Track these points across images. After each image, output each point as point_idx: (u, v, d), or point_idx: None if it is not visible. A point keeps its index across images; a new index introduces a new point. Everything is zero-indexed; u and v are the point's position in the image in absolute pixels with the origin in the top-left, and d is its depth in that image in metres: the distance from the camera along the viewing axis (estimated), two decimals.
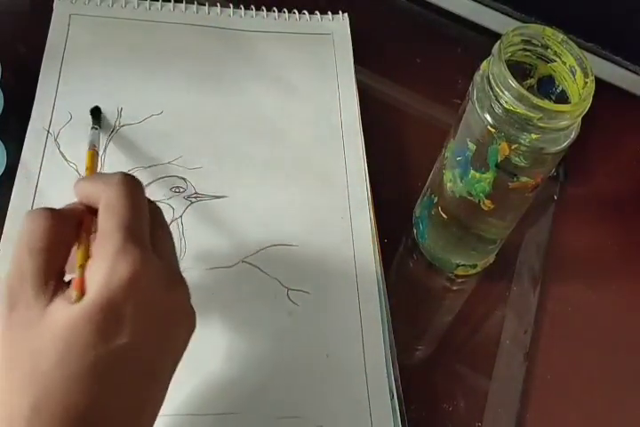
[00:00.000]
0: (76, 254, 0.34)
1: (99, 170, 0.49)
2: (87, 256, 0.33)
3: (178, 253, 0.47)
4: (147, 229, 0.34)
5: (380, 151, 0.54)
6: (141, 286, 0.31)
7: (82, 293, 0.31)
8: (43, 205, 0.46)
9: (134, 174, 0.49)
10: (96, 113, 0.51)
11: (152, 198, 0.48)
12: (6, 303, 0.31)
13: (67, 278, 0.33)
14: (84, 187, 0.36)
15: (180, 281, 0.34)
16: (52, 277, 0.32)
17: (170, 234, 0.37)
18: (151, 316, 0.32)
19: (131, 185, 0.34)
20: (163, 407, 0.42)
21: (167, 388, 0.34)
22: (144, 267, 0.32)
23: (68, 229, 0.34)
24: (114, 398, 0.31)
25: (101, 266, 0.31)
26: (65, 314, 0.30)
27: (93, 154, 0.45)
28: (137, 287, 0.31)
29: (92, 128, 0.50)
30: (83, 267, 0.32)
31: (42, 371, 0.30)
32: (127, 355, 0.31)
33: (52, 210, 0.34)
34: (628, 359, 0.50)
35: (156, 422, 0.42)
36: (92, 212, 0.35)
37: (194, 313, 0.35)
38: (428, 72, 0.60)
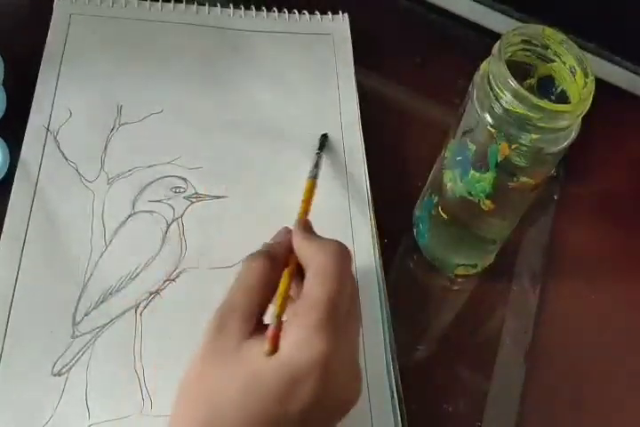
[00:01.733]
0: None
1: (99, 170, 0.50)
2: (285, 305, 0.35)
3: (178, 254, 0.47)
4: (347, 306, 0.35)
5: (380, 151, 0.54)
6: (329, 367, 0.33)
7: (274, 348, 0.33)
8: (42, 205, 0.47)
9: (134, 175, 0.50)
10: (323, 139, 0.52)
11: (152, 199, 0.49)
12: (214, 325, 0.34)
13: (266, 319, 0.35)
14: (301, 246, 0.37)
15: (359, 374, 0.36)
16: (257, 313, 0.35)
17: (360, 312, 0.38)
18: (329, 398, 0.33)
19: (344, 257, 0.36)
20: (163, 407, 0.42)
21: None
22: (337, 349, 0.33)
23: (278, 274, 0.37)
24: None
25: (296, 334, 0.33)
26: (255, 361, 0.33)
27: (313, 185, 0.45)
28: (324, 368, 0.32)
29: (317, 153, 0.50)
30: (279, 317, 0.34)
31: (219, 399, 0.32)
32: (296, 421, 0.33)
33: (267, 253, 0.37)
34: (628, 359, 0.50)
35: (156, 423, 0.42)
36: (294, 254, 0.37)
37: (358, 399, 0.36)
38: (428, 72, 0.60)
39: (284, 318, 0.35)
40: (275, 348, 0.33)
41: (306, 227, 0.39)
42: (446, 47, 0.62)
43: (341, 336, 0.34)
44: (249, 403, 0.32)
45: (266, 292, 0.36)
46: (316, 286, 0.34)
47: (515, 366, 0.48)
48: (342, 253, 0.36)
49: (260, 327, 0.34)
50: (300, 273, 0.37)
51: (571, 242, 0.54)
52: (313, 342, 0.32)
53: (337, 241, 0.37)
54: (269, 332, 0.33)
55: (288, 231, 0.39)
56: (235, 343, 0.33)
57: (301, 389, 0.32)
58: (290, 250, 0.38)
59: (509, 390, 0.47)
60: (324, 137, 0.53)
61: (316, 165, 0.48)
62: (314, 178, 0.46)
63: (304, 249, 0.37)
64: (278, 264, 0.37)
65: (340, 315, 0.34)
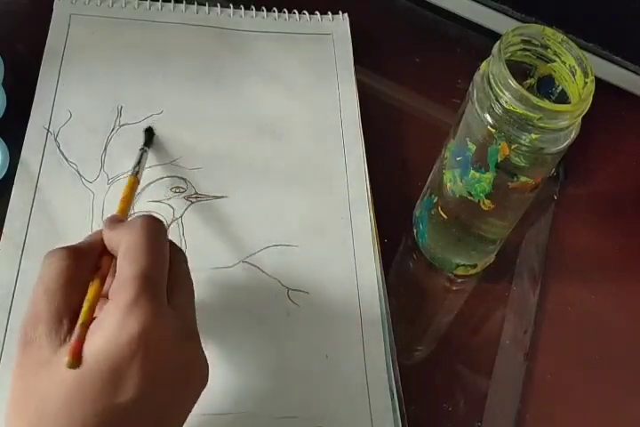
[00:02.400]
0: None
1: (99, 170, 0.50)
2: (94, 306, 0.33)
3: None
4: (165, 278, 0.34)
5: (380, 151, 0.54)
6: (150, 341, 0.31)
7: (77, 361, 0.31)
8: (42, 206, 0.47)
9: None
10: (149, 134, 0.51)
11: (152, 199, 0.49)
12: (21, 342, 0.32)
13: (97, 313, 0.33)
14: (109, 235, 0.35)
15: (193, 335, 0.34)
16: (66, 316, 0.32)
17: (190, 282, 0.36)
18: (159, 371, 0.32)
19: (153, 229, 0.34)
20: None
21: None
22: (155, 322, 0.31)
23: (84, 269, 0.34)
24: None
25: (111, 319, 0.31)
26: (73, 371, 0.30)
27: (134, 182, 0.44)
28: (146, 343, 0.31)
29: (141, 149, 0.49)
30: (84, 325, 0.32)
31: (48, 413, 0.30)
32: (132, 409, 0.31)
33: (68, 250, 0.34)
34: (628, 359, 0.50)
35: None
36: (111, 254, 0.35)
37: (206, 366, 0.35)
38: (428, 72, 0.60)
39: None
40: (77, 361, 0.31)
41: (114, 219, 0.37)
42: (446, 47, 0.62)
43: (164, 309, 0.32)
44: (75, 407, 0.30)
45: (72, 293, 0.33)
46: (125, 267, 0.32)
47: (515, 366, 0.48)
48: (149, 226, 0.34)
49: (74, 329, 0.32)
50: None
51: (571, 242, 0.54)
52: (127, 322, 0.31)
53: (144, 215, 0.35)
54: (71, 343, 0.31)
55: (97, 232, 0.37)
56: (47, 353, 0.31)
57: (125, 375, 0.30)
58: (102, 250, 0.35)
59: (509, 390, 0.47)
60: (150, 132, 0.51)
61: (139, 162, 0.47)
62: (135, 175, 0.45)
63: (112, 236, 0.35)
64: (85, 262, 0.34)
65: (158, 288, 0.32)
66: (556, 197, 0.56)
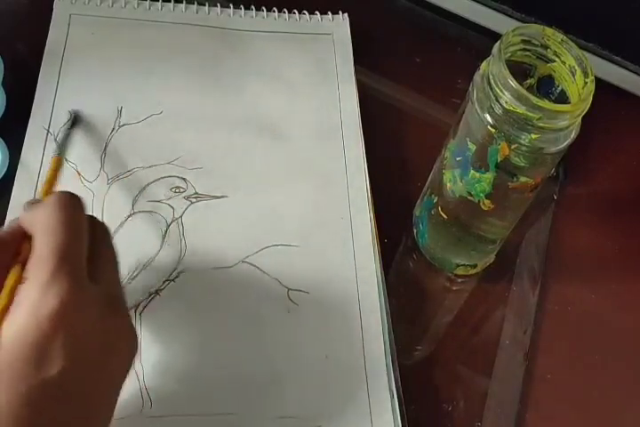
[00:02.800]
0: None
1: (99, 170, 0.50)
2: (14, 290, 0.32)
3: (178, 254, 0.47)
4: (83, 252, 0.33)
5: (380, 151, 0.54)
6: (71, 316, 0.31)
7: None
8: None
9: (134, 175, 0.50)
10: (75, 116, 0.50)
11: (152, 199, 0.49)
12: None
13: None
14: (25, 217, 0.34)
15: (117, 307, 0.34)
16: None
17: (114, 254, 0.36)
18: (83, 345, 0.31)
19: (66, 204, 0.33)
20: (163, 407, 0.42)
21: (111, 412, 0.33)
22: (75, 296, 0.31)
23: (5, 255, 0.33)
24: (58, 423, 0.31)
25: (31, 295, 0.30)
26: None
27: (58, 162, 0.42)
28: (66, 318, 0.30)
29: (67, 129, 0.48)
30: (4, 310, 0.31)
31: None
32: (59, 385, 0.30)
33: None
34: (628, 359, 0.50)
35: (157, 423, 0.42)
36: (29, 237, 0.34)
37: (135, 337, 0.34)
38: (428, 72, 0.60)
39: None
40: None
41: (31, 202, 0.36)
42: (446, 47, 0.62)
43: (84, 282, 0.32)
44: (5, 384, 0.29)
45: None
46: (41, 244, 0.32)
47: (514, 366, 0.48)
48: (62, 201, 0.33)
49: None
50: None
51: (570, 242, 0.54)
52: (46, 298, 0.30)
53: (58, 191, 0.34)
54: None
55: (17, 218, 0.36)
56: None
57: (48, 351, 0.30)
58: (22, 236, 0.34)
59: (509, 390, 0.47)
60: (76, 114, 0.51)
61: (63, 142, 0.46)
62: (59, 155, 0.44)
63: (27, 218, 0.34)
64: (5, 249, 0.33)
65: (76, 262, 0.32)
66: (555, 197, 0.56)
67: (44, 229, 0.32)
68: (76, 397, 0.31)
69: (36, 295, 0.30)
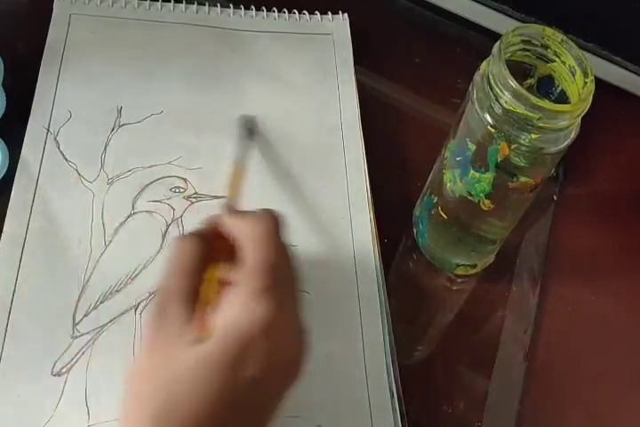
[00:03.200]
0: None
1: (99, 170, 0.50)
2: (214, 291, 0.35)
3: None
4: (288, 272, 0.36)
5: (380, 151, 0.54)
6: (274, 328, 0.33)
7: (205, 334, 0.33)
8: (42, 206, 0.47)
9: (134, 175, 0.50)
10: (250, 123, 0.51)
11: (152, 199, 0.49)
12: (156, 312, 0.34)
13: None
14: (230, 220, 0.37)
15: (304, 333, 0.36)
16: (194, 295, 0.35)
17: (297, 273, 0.38)
18: (275, 358, 0.34)
19: (274, 224, 0.37)
20: None
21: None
22: (280, 312, 0.34)
23: (207, 253, 0.36)
24: (234, 422, 0.33)
25: (240, 302, 0.33)
26: (203, 344, 0.33)
27: (241, 169, 0.45)
28: (270, 329, 0.33)
29: (244, 139, 0.49)
30: (209, 305, 0.34)
31: (172, 382, 0.32)
32: (251, 388, 0.33)
33: (199, 236, 0.37)
34: (628, 359, 0.50)
35: None
36: (223, 240, 0.37)
37: (304, 363, 0.36)
38: (428, 72, 0.60)
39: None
40: (205, 336, 0.33)
41: (232, 208, 0.40)
42: (446, 47, 0.62)
43: (284, 299, 0.34)
44: (201, 382, 0.32)
45: (200, 275, 0.36)
46: (251, 254, 0.35)
47: (515, 366, 0.48)
48: (271, 221, 0.36)
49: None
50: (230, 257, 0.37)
51: (570, 242, 0.54)
52: (257, 306, 0.33)
53: (266, 209, 0.37)
54: (198, 320, 0.34)
55: (215, 218, 0.39)
56: (177, 329, 0.33)
57: (249, 355, 0.32)
58: (217, 234, 0.38)
59: (509, 390, 0.47)
60: (250, 122, 0.51)
61: (243, 151, 0.48)
62: (241, 162, 0.46)
63: (235, 225, 0.37)
64: (208, 247, 0.37)
65: (279, 278, 0.35)
66: (555, 198, 0.56)
67: (257, 243, 0.35)
68: (260, 402, 0.34)
69: (247, 302, 0.33)
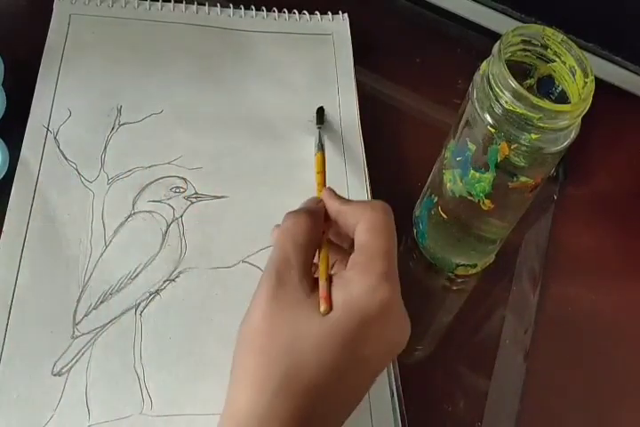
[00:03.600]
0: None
1: (99, 170, 0.50)
2: (328, 267, 0.38)
3: (178, 254, 0.47)
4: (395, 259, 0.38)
5: (380, 151, 0.54)
6: (392, 313, 0.36)
7: (330, 306, 0.35)
8: (42, 205, 0.47)
9: (134, 175, 0.50)
10: (320, 112, 0.54)
11: (152, 199, 0.49)
12: (274, 279, 0.36)
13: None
14: (341, 205, 0.40)
15: (408, 318, 0.38)
16: (309, 271, 0.37)
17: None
18: (385, 341, 0.36)
19: (391, 213, 0.39)
20: (163, 407, 0.42)
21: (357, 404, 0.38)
22: (396, 298, 0.36)
23: (319, 230, 0.39)
24: (348, 392, 0.36)
25: (365, 282, 0.35)
26: (327, 316, 0.35)
27: (322, 157, 0.47)
28: (389, 313, 0.36)
29: (318, 127, 0.52)
30: (327, 281, 0.36)
31: (299, 348, 0.34)
32: (361, 365, 0.35)
33: (310, 213, 0.39)
34: (628, 359, 0.50)
35: (157, 423, 0.42)
36: (328, 222, 0.40)
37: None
38: (428, 72, 0.60)
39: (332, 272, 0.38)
40: (330, 308, 0.35)
41: (334, 194, 0.41)
42: (446, 47, 0.62)
43: (397, 286, 0.37)
44: (325, 350, 0.34)
45: (312, 250, 0.38)
46: (373, 240, 0.37)
47: (515, 366, 0.48)
48: (389, 211, 0.39)
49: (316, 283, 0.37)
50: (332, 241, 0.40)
51: (570, 242, 0.54)
52: (380, 288, 0.35)
53: (381, 201, 0.39)
54: (322, 292, 0.36)
55: (318, 201, 0.42)
56: (302, 296, 0.36)
57: (370, 331, 0.35)
58: (324, 217, 0.40)
59: (509, 390, 0.47)
60: (321, 110, 0.54)
61: (320, 139, 0.50)
62: (321, 151, 0.48)
63: (349, 210, 0.39)
64: (318, 224, 0.39)
65: (395, 267, 0.37)
66: (555, 197, 0.56)
67: (377, 230, 0.37)
68: (368, 374, 0.37)
69: (371, 283, 0.35)
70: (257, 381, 0.34)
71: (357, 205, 0.39)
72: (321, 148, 0.49)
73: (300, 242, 0.37)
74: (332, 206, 0.40)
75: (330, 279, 0.37)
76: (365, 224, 0.38)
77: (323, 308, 0.35)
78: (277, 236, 0.38)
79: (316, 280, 0.37)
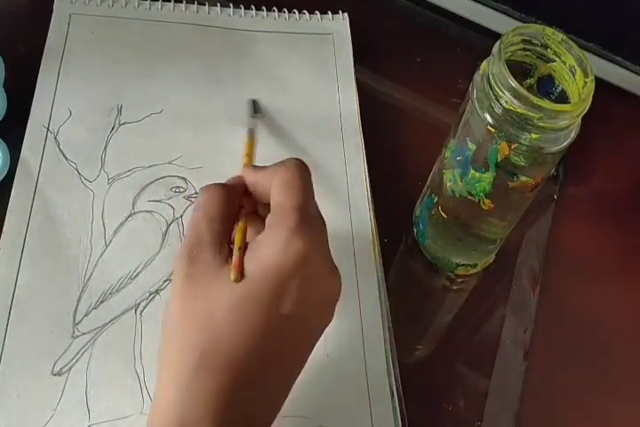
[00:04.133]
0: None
1: (99, 169, 0.50)
2: (244, 238, 0.36)
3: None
4: (317, 213, 0.37)
5: (380, 151, 0.54)
6: (309, 264, 0.34)
7: (240, 274, 0.34)
8: (42, 205, 0.47)
9: (134, 174, 0.50)
10: (253, 104, 0.54)
11: (152, 198, 0.49)
12: (186, 256, 0.35)
13: None
14: (256, 173, 0.39)
15: (335, 269, 0.37)
16: (224, 240, 0.36)
17: (322, 219, 0.38)
18: (310, 294, 0.35)
19: (304, 169, 0.38)
20: None
21: (303, 365, 0.37)
22: (314, 250, 0.35)
23: (236, 203, 0.38)
24: (275, 357, 0.34)
25: (277, 240, 0.34)
26: (240, 284, 0.34)
27: (252, 143, 0.47)
28: (306, 265, 0.34)
29: (252, 117, 0.52)
30: (241, 250, 0.35)
31: (215, 321, 0.33)
32: (287, 323, 0.34)
33: (223, 185, 0.38)
34: (628, 359, 0.50)
35: None
36: (249, 195, 0.39)
37: (335, 306, 0.38)
38: (428, 72, 0.60)
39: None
40: (241, 275, 0.34)
41: (252, 166, 0.40)
42: (446, 47, 0.62)
43: (315, 237, 0.35)
44: (242, 319, 0.33)
45: (226, 222, 0.36)
46: (285, 197, 0.36)
47: (514, 366, 0.48)
48: (302, 166, 0.37)
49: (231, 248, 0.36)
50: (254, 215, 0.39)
51: (570, 242, 0.54)
52: (292, 244, 0.34)
53: (295, 158, 0.38)
54: (234, 260, 0.34)
55: (237, 177, 0.40)
56: (215, 269, 0.34)
57: (289, 288, 0.34)
58: (243, 191, 0.39)
59: (509, 389, 0.47)
60: (254, 103, 0.54)
61: (252, 128, 0.50)
62: (250, 139, 0.48)
63: (263, 176, 0.38)
64: (233, 199, 0.38)
65: (311, 219, 0.36)
66: (555, 197, 0.56)
67: (288, 186, 0.36)
68: (299, 336, 0.36)
69: (282, 240, 0.34)
70: (176, 368, 0.33)
71: (269, 169, 0.38)
72: (252, 137, 0.49)
73: (213, 216, 0.36)
74: (249, 176, 0.39)
75: (245, 248, 0.36)
76: (277, 184, 0.37)
77: (233, 276, 0.34)
78: (192, 212, 0.37)
79: (232, 252, 0.36)
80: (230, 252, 0.35)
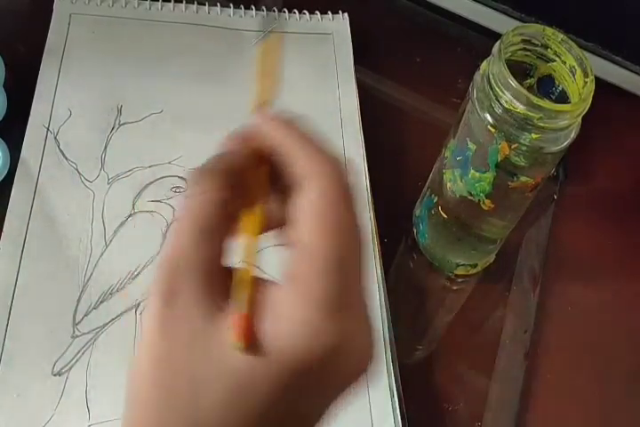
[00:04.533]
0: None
1: (99, 169, 0.50)
2: (254, 256, 0.25)
3: None
4: (354, 260, 0.25)
5: (380, 151, 0.54)
6: (339, 355, 0.24)
7: (247, 342, 0.23)
8: (42, 205, 0.47)
9: (134, 174, 0.50)
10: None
11: (152, 198, 0.49)
12: (160, 297, 0.24)
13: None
14: (295, 147, 0.26)
15: (373, 341, 0.27)
16: (219, 267, 0.25)
17: (362, 263, 0.26)
18: (339, 383, 0.26)
19: (349, 189, 0.26)
20: None
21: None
22: (348, 331, 0.25)
23: (238, 203, 0.27)
24: None
25: (301, 314, 0.24)
26: (243, 357, 0.23)
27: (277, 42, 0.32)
28: (334, 357, 0.24)
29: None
30: (251, 300, 0.24)
31: (200, 407, 0.23)
32: (298, 421, 0.25)
33: (225, 178, 0.27)
34: (628, 359, 0.50)
35: None
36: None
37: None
38: (428, 72, 0.60)
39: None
40: (247, 342, 0.23)
41: (282, 116, 0.27)
42: (446, 47, 0.62)
43: (353, 306, 0.25)
44: (244, 409, 0.23)
45: (226, 234, 0.25)
46: (316, 237, 0.24)
47: (515, 366, 0.48)
48: (346, 185, 0.26)
49: (229, 283, 0.25)
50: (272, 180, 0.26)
51: (570, 242, 0.54)
52: (320, 327, 0.23)
53: (337, 159, 0.26)
54: (234, 320, 0.23)
55: (245, 137, 0.28)
56: (199, 319, 0.23)
57: (306, 383, 0.24)
58: (251, 164, 0.27)
59: (509, 390, 0.47)
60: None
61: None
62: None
63: (300, 155, 0.26)
64: (237, 191, 0.26)
65: (351, 278, 0.25)
66: (555, 197, 0.56)
67: (326, 217, 0.25)
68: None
69: (305, 318, 0.23)
70: None
71: (312, 153, 0.26)
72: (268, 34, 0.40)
73: (206, 228, 0.25)
74: (278, 138, 0.27)
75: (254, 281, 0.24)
76: (312, 204, 0.25)
77: (236, 340, 0.23)
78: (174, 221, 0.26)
79: (229, 274, 0.25)
80: (227, 286, 0.24)
